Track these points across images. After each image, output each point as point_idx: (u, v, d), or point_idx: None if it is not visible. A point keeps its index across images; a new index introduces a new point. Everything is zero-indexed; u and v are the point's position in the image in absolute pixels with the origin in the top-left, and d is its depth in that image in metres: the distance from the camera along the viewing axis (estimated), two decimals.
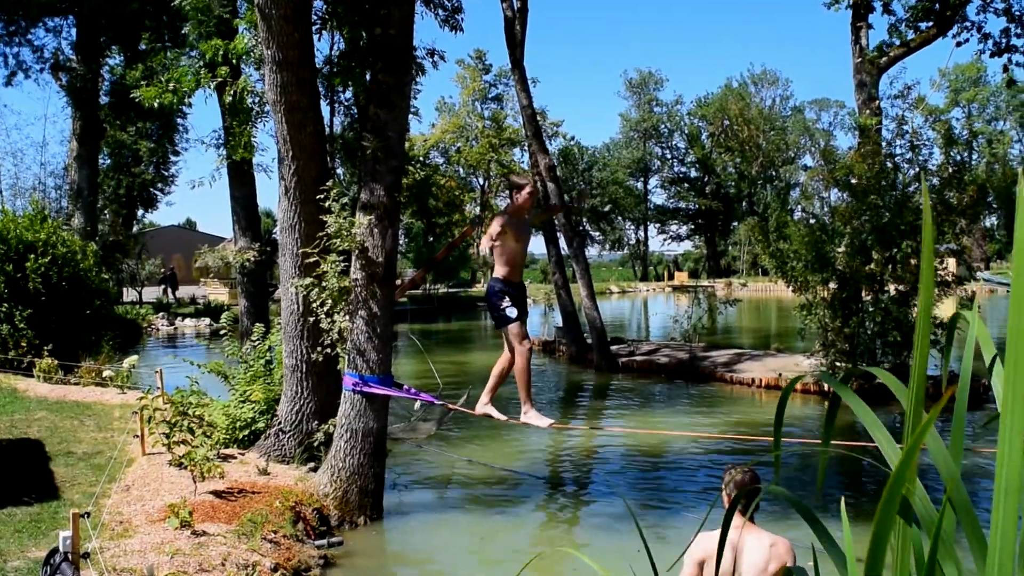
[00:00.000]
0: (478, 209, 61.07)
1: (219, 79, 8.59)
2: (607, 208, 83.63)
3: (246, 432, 8.64)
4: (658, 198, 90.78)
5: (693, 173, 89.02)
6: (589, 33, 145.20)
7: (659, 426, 12.47)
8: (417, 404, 7.88)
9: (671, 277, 75.59)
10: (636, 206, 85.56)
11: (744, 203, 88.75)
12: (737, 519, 4.36)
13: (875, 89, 17.56)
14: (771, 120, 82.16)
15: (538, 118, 20.41)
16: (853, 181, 15.11)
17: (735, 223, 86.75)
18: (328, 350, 7.73)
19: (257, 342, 9.55)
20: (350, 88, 9.65)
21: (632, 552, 6.47)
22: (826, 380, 1.81)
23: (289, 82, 7.55)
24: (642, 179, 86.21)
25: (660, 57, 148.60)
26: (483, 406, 6.95)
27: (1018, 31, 17.92)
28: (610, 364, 18.56)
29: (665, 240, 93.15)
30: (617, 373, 18.23)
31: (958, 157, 15.05)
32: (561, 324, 24.29)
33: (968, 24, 18.10)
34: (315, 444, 8.14)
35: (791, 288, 15.72)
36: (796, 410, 14.09)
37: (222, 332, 9.92)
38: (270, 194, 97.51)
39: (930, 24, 17.64)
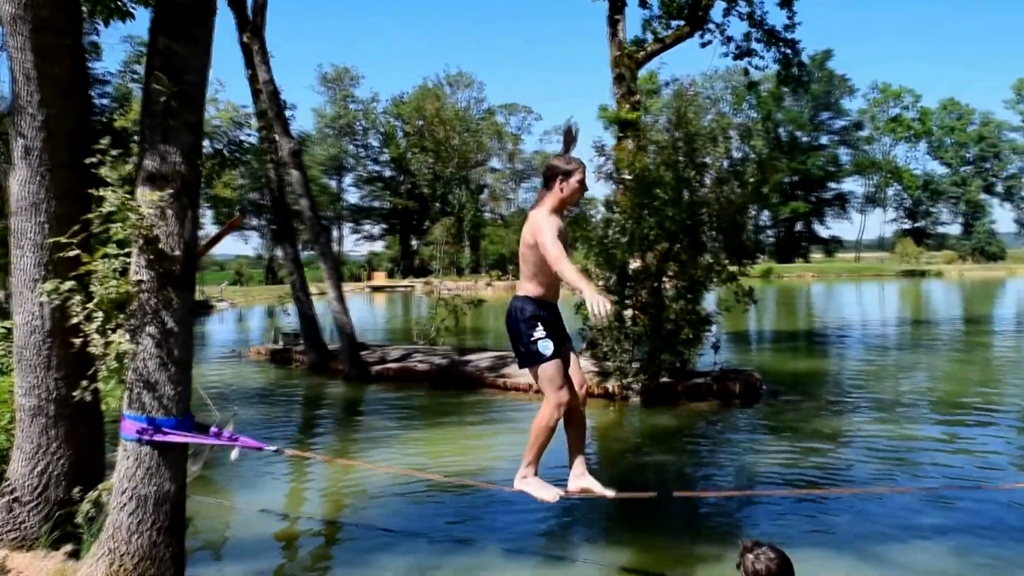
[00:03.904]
0: None
1: None
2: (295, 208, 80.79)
3: None
4: (352, 196, 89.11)
5: (388, 172, 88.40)
6: (279, 23, 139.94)
7: (466, 446, 10.94)
8: (234, 452, 5.71)
9: (369, 277, 74.11)
10: (330, 205, 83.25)
11: (438, 203, 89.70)
12: None
13: (634, 83, 17.20)
14: (465, 122, 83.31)
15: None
16: (627, 176, 14.48)
17: (427, 222, 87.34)
18: (100, 384, 5.38)
19: None
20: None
21: None
22: None
23: None
24: (336, 177, 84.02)
25: (356, 53, 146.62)
26: (551, 489, 5.03)
27: (758, 36, 18.42)
28: (362, 373, 16.68)
29: (358, 239, 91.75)
30: (370, 383, 16.39)
31: (738, 154, 14.90)
32: (287, 330, 22.03)
33: (712, 26, 18.34)
34: (75, 518, 5.68)
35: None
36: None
37: None
38: None
39: (683, 23, 17.61)
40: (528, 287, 4.76)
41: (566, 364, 4.85)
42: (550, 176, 4.82)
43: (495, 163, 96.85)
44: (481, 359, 17.21)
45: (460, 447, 11.01)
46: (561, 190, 4.77)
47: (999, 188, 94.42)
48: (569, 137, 5.30)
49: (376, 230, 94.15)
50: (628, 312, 14.05)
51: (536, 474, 4.99)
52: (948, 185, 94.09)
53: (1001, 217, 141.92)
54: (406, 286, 71.33)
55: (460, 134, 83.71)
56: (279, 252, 79.23)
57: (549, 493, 4.94)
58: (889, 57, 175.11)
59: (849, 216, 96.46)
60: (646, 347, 13.72)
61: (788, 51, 18.58)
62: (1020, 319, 30.68)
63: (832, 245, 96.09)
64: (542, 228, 4.59)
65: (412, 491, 8.68)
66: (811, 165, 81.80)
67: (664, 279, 14.15)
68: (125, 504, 5.36)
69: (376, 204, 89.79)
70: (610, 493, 5.07)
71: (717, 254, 14.03)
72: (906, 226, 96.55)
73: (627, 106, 16.86)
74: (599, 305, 4.11)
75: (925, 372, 17.41)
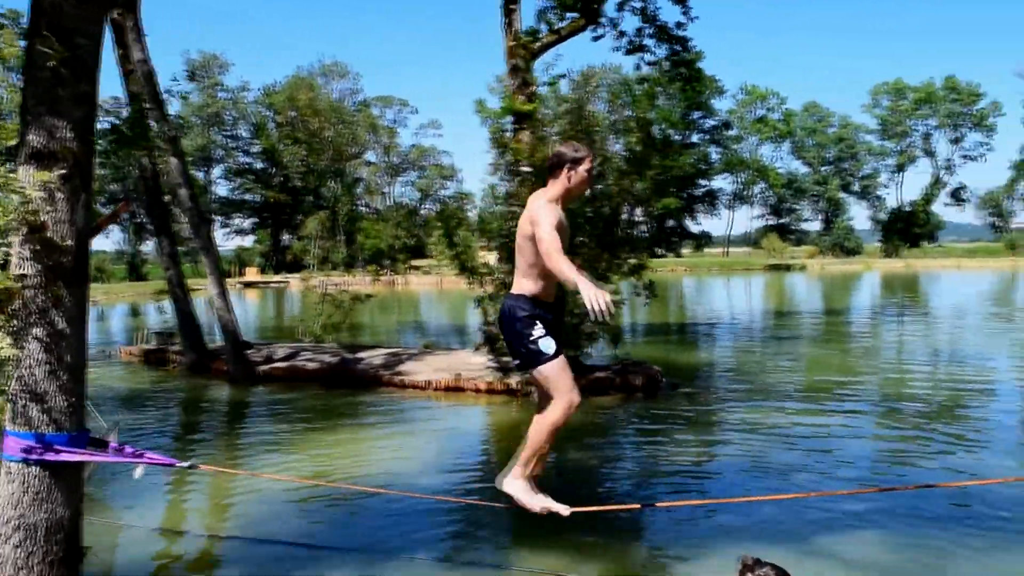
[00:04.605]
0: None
1: None
2: (166, 199, 77.33)
3: None
4: (221, 189, 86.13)
5: (259, 164, 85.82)
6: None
7: (369, 448, 10.33)
8: (138, 470, 5.01)
9: (240, 273, 71.65)
10: (199, 197, 79.89)
11: (311, 196, 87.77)
12: None
13: (530, 75, 16.83)
14: (340, 113, 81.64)
15: None
16: (525, 169, 14.12)
17: (300, 216, 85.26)
18: None
19: None
20: None
21: None
22: None
23: None
24: (205, 169, 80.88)
25: (225, 40, 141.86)
26: (537, 498, 4.57)
27: (651, 31, 18.36)
28: (247, 374, 15.78)
29: (227, 234, 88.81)
30: (257, 384, 15.50)
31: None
32: (159, 328, 20.83)
33: (604, 20, 18.17)
34: None
35: (468, 282, 14.41)
36: (481, 413, 12.72)
37: None
38: None
39: (577, 15, 17.37)
40: (525, 284, 4.32)
41: None
42: (557, 164, 4.37)
43: (371, 156, 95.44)
44: (374, 356, 16.57)
45: (363, 450, 10.40)
46: (568, 179, 4.35)
47: (856, 187, 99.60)
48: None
49: (247, 224, 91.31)
50: None
51: (530, 481, 4.55)
52: (810, 184, 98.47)
53: (858, 214, 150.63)
54: (280, 282, 69.38)
55: (334, 126, 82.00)
56: (145, 247, 75.81)
57: (535, 502, 4.53)
58: (756, 60, 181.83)
59: (718, 212, 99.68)
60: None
61: (679, 48, 18.62)
62: (880, 310, 32.09)
63: (702, 240, 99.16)
64: (540, 217, 4.15)
65: (314, 499, 8.06)
66: (683, 163, 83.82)
67: None
68: (10, 536, 4.62)
69: (247, 197, 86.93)
70: (564, 510, 4.63)
71: (618, 247, 13.87)
72: (771, 222, 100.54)
73: (522, 97, 16.48)
74: (597, 299, 3.64)
75: (807, 361, 17.80)
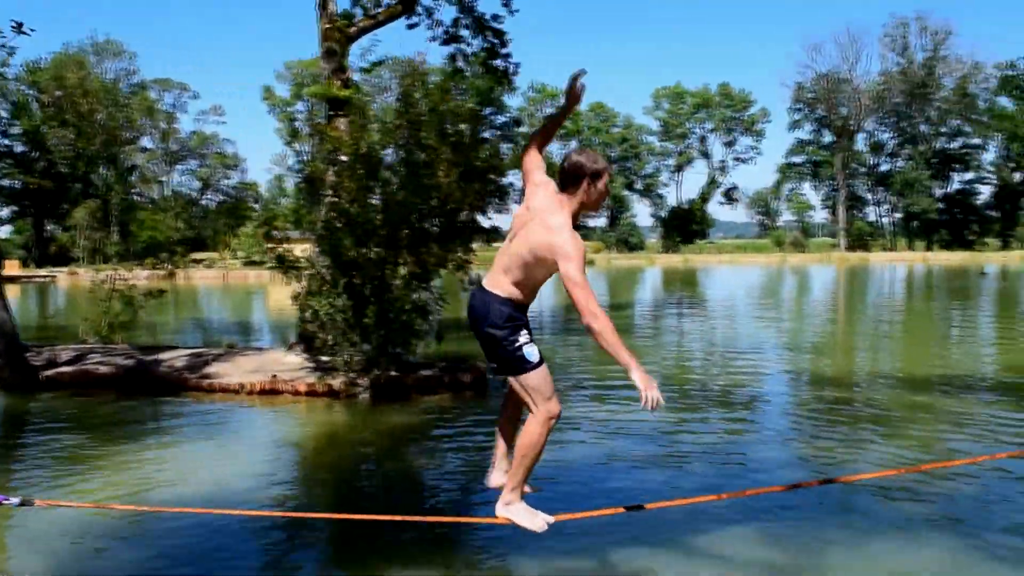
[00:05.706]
0: None
1: None
2: None
3: None
4: None
5: (20, 147, 78.81)
6: None
7: (191, 461, 9.29)
8: None
9: None
10: None
11: (80, 184, 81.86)
12: None
13: (346, 59, 16.09)
14: (113, 95, 76.31)
15: None
16: (343, 158, 13.40)
17: (67, 205, 79.30)
18: None
19: None
20: None
21: None
22: None
23: None
24: None
25: None
26: (538, 518, 4.24)
27: (467, 22, 18.01)
28: (28, 379, 14.05)
29: None
30: (39, 391, 13.81)
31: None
32: None
33: (420, 8, 17.67)
34: None
35: (290, 279, 13.49)
36: (303, 417, 11.89)
37: None
38: None
39: (393, 1, 16.79)
40: (510, 288, 4.10)
41: None
42: (575, 176, 4.02)
43: (147, 142, 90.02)
44: (175, 358, 15.23)
45: (178, 463, 9.32)
46: (588, 194, 4.05)
47: (639, 185, 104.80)
48: (575, 93, 4.35)
49: (4, 213, 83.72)
50: (348, 302, 12.97)
51: (522, 499, 4.25)
52: None
53: (640, 212, 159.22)
54: (45, 276, 64.04)
55: (107, 108, 76.65)
56: None
57: (538, 521, 4.19)
58: (544, 59, 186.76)
59: (509, 208, 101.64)
60: (374, 340, 12.74)
61: (495, 41, 18.37)
62: (673, 301, 33.67)
63: (491, 235, 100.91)
64: (569, 249, 3.82)
65: (126, 524, 7.03)
66: (474, 158, 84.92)
67: (390, 267, 13.29)
68: None
69: (5, 183, 79.59)
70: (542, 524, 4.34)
71: (448, 241, 13.54)
72: None
73: (338, 83, 15.73)
74: (651, 398, 3.68)
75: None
